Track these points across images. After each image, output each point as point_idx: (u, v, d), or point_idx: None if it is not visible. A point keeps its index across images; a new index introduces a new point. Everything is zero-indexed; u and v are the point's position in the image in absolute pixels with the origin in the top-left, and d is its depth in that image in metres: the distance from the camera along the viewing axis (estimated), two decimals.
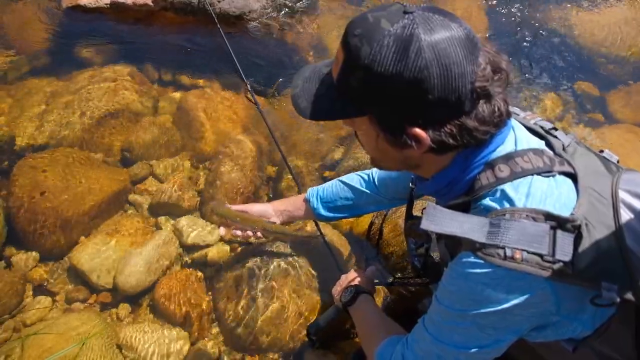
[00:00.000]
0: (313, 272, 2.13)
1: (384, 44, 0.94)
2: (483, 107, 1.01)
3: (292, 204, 1.96)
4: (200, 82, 2.97)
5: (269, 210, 1.91)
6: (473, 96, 0.98)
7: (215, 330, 2.06)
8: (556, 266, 0.96)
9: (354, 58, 0.98)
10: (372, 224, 2.25)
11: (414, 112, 0.99)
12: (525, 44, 3.42)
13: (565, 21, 3.60)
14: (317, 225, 2.10)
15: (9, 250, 2.24)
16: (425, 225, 1.02)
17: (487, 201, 1.06)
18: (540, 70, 3.26)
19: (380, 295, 2.06)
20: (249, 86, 2.80)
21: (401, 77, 0.94)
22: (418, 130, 1.01)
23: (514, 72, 3.19)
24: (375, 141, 1.10)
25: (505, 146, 1.09)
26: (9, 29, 3.14)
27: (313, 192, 1.92)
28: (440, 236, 1.30)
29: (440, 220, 1.02)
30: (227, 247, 2.27)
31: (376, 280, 1.88)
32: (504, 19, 3.61)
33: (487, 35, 3.48)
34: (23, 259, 2.21)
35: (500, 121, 1.04)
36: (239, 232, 1.87)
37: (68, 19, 3.22)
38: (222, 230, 1.89)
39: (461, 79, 0.95)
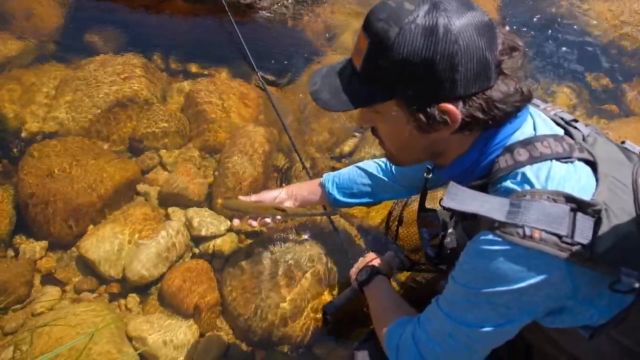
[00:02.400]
0: (325, 265, 2.11)
1: (412, 22, 0.97)
2: (505, 82, 1.04)
3: (306, 188, 1.94)
4: (210, 71, 2.94)
5: (283, 195, 1.89)
6: (497, 70, 1.03)
7: (224, 322, 2.05)
8: (574, 248, 0.96)
9: (382, 40, 1.00)
10: (390, 212, 2.22)
11: (446, 87, 1.00)
12: (538, 34, 3.37)
13: (580, 11, 3.55)
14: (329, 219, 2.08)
15: (18, 238, 2.24)
16: (446, 203, 1.04)
17: (508, 183, 1.07)
18: (554, 61, 3.21)
19: None
20: (259, 75, 2.77)
21: (433, 51, 0.97)
22: (450, 106, 1.02)
23: (527, 64, 3.14)
24: (402, 128, 1.10)
25: (524, 130, 1.11)
26: (18, 16, 3.12)
27: (329, 177, 1.90)
28: (458, 220, 1.31)
29: (462, 198, 1.04)
30: (237, 239, 2.26)
31: (394, 264, 1.86)
32: (517, 9, 3.56)
33: (500, 25, 3.43)
34: (32, 247, 2.20)
35: (524, 95, 1.06)
36: (254, 223, 1.85)
37: (77, 6, 3.20)
38: (235, 222, 1.87)
39: (487, 52, 0.99)
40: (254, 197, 1.86)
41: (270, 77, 2.90)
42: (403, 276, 2.08)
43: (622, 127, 2.85)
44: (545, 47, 3.28)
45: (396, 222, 2.16)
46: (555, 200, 0.98)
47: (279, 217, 1.83)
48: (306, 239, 2.17)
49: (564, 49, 3.28)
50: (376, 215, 2.28)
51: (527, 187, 1.03)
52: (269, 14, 3.26)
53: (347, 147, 2.63)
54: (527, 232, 0.97)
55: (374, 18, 1.01)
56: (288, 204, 1.88)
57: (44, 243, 2.22)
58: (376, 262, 1.77)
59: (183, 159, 2.56)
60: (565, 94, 3.03)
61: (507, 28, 3.41)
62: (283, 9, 3.30)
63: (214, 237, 2.26)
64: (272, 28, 3.22)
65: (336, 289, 2.07)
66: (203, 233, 2.26)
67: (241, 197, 1.85)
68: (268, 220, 1.82)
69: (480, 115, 1.03)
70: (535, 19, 3.46)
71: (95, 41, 3.02)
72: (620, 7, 3.56)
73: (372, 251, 1.86)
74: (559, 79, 3.10)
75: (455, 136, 1.09)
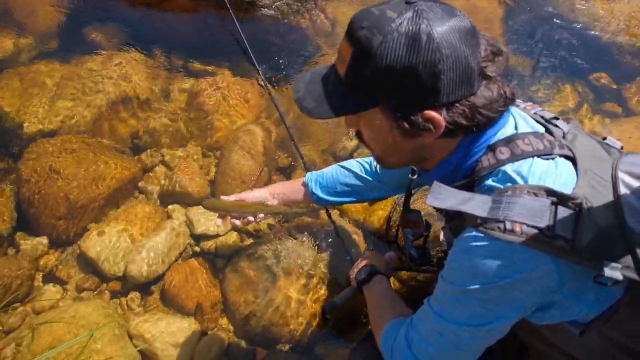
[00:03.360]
0: (325, 265, 2.12)
1: (394, 30, 0.97)
2: (489, 87, 1.05)
3: (289, 187, 1.95)
4: (212, 68, 2.93)
5: (266, 195, 1.89)
6: (480, 76, 1.03)
7: (225, 321, 2.05)
8: (556, 242, 0.97)
9: (365, 48, 1.00)
10: (391, 213, 2.22)
11: (429, 95, 1.01)
12: (541, 34, 3.36)
13: (582, 11, 3.54)
14: (327, 212, 2.07)
15: (19, 236, 2.23)
16: (430, 201, 1.06)
17: (490, 182, 1.08)
18: (556, 61, 3.20)
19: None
20: (261, 73, 2.76)
21: (416, 60, 0.97)
22: (433, 113, 1.03)
23: (530, 63, 3.14)
24: (387, 134, 1.11)
25: (506, 129, 1.12)
26: (20, 12, 3.11)
27: (312, 176, 1.91)
28: (445, 221, 1.33)
29: (445, 197, 1.06)
30: (238, 238, 2.26)
31: (394, 265, 1.86)
32: (519, 9, 3.55)
33: (502, 25, 3.42)
34: (33, 245, 2.20)
35: (506, 100, 1.07)
36: (237, 222, 1.84)
37: (78, 2, 3.19)
38: (218, 221, 1.86)
39: (470, 59, 1.00)
40: (235, 196, 1.86)
41: (272, 75, 2.89)
42: (404, 275, 2.08)
43: (624, 127, 2.85)
44: (546, 48, 3.27)
45: (396, 223, 2.16)
46: (536, 195, 1.00)
47: (261, 215, 1.83)
48: (307, 239, 2.16)
49: (566, 48, 3.27)
50: (376, 216, 2.28)
51: (509, 183, 1.04)
52: (270, 11, 3.25)
53: (348, 145, 2.62)
54: (508, 226, 0.98)
55: (357, 26, 1.02)
56: (271, 203, 1.88)
57: (45, 241, 2.22)
58: (376, 261, 1.77)
59: (184, 157, 2.55)
60: (567, 93, 3.02)
61: (509, 28, 3.40)
62: (285, 6, 3.29)
63: (215, 235, 2.26)
64: (274, 25, 3.21)
65: (336, 288, 2.07)
66: (204, 232, 2.26)
67: (223, 197, 1.85)
68: (251, 219, 1.82)
69: (464, 122, 1.05)
70: (538, 19, 3.45)
71: (96, 38, 3.01)
72: (622, 6, 3.55)
73: (372, 251, 1.87)
74: (561, 78, 3.10)
75: (440, 141, 1.10)
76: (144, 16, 3.18)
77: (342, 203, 1.98)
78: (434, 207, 1.16)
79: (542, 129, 1.16)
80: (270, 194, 1.89)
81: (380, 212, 2.27)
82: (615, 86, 3.12)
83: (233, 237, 2.26)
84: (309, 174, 1.92)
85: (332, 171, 1.88)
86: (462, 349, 1.13)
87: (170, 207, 2.37)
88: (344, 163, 1.88)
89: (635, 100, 3.04)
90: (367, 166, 1.83)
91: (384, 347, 1.32)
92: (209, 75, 2.87)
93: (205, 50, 3.03)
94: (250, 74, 2.89)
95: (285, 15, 3.26)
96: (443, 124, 1.04)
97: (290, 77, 2.91)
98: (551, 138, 1.12)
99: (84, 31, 3.04)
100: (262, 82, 2.76)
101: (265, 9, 3.25)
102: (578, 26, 3.43)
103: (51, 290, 2.08)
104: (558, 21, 3.45)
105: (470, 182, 1.13)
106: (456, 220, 1.17)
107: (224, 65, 2.95)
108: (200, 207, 2.34)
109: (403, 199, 2.16)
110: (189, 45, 3.05)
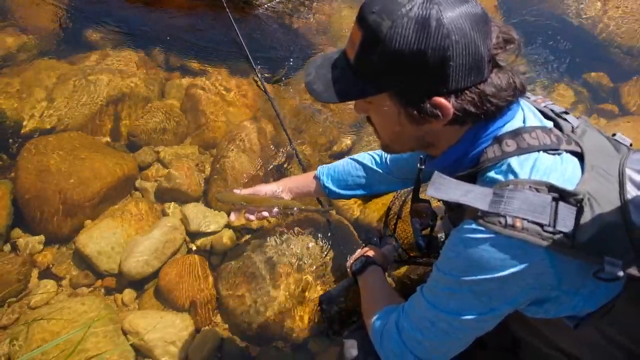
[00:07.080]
0: (321, 260, 2.12)
1: (404, 15, 0.96)
2: (499, 76, 1.04)
3: (301, 181, 1.96)
4: (208, 67, 2.94)
5: (279, 189, 1.90)
6: (490, 64, 1.02)
7: (219, 318, 2.05)
8: (556, 237, 0.97)
9: (374, 33, 0.99)
10: (389, 207, 2.23)
11: (438, 81, 1.01)
12: (537, 33, 3.36)
13: (579, 10, 3.54)
14: (319, 202, 2.07)
15: (15, 233, 2.25)
16: (430, 192, 1.05)
17: (493, 174, 1.08)
18: (553, 60, 3.20)
19: None
20: (257, 72, 2.77)
21: (425, 45, 0.96)
22: (442, 100, 1.02)
23: (525, 61, 3.14)
24: (394, 120, 1.11)
25: (514, 122, 1.11)
26: (19, 11, 3.13)
27: (323, 170, 1.92)
28: (445, 211, 1.32)
29: (446, 188, 1.05)
30: (233, 235, 2.27)
31: (391, 257, 1.87)
32: (515, 7, 3.55)
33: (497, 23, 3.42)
34: (29, 242, 2.21)
35: (516, 90, 1.07)
36: (252, 217, 1.84)
37: (77, 2, 3.20)
38: (232, 217, 1.86)
39: (480, 46, 0.98)
40: (248, 190, 1.87)
41: (268, 74, 2.90)
42: (399, 273, 2.08)
43: (620, 126, 2.85)
44: (544, 46, 3.27)
45: (395, 217, 2.17)
46: (537, 190, 0.99)
47: (275, 209, 1.83)
48: (302, 234, 2.17)
49: (562, 48, 3.27)
50: (374, 211, 2.28)
51: (512, 177, 1.04)
52: (267, 11, 3.26)
53: (343, 144, 2.63)
54: (509, 221, 0.98)
55: (367, 10, 1.01)
56: (283, 197, 1.88)
57: (41, 237, 2.23)
58: (372, 253, 1.78)
59: (180, 154, 2.56)
60: (564, 92, 3.02)
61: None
62: (282, 5, 3.30)
63: (211, 233, 2.27)
64: (270, 24, 3.22)
65: (333, 282, 2.07)
66: (200, 229, 2.27)
67: (236, 190, 1.86)
68: (265, 214, 1.83)
69: (472, 109, 1.04)
70: (533, 17, 3.45)
71: (93, 37, 3.02)
72: (619, 6, 3.55)
73: (370, 244, 1.87)
74: (557, 77, 3.10)
75: (448, 128, 1.09)
76: (142, 15, 3.19)
77: (353, 196, 1.98)
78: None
79: (550, 124, 1.16)
80: (282, 188, 1.90)
81: (376, 207, 2.28)
82: (611, 85, 3.11)
83: (228, 234, 2.26)
84: (320, 167, 1.93)
85: (343, 164, 1.89)
86: (452, 338, 1.14)
87: (166, 204, 2.38)
88: (355, 156, 1.90)
89: (630, 100, 3.04)
90: (377, 158, 1.84)
91: (374, 333, 1.32)
92: (206, 74, 2.88)
93: (202, 49, 3.03)
94: (246, 72, 2.89)
95: (282, 14, 3.27)
96: (451, 111, 1.03)
97: (287, 75, 2.92)
98: (559, 133, 1.11)
99: (83, 30, 3.06)
100: (258, 81, 2.77)
101: (262, 8, 3.26)
102: (575, 25, 3.43)
103: (47, 287, 2.09)
104: (554, 20, 3.45)
105: (474, 172, 1.13)
106: (455, 211, 1.17)
107: (221, 64, 2.96)
108: (197, 204, 2.36)
109: (405, 191, 2.19)
110: (186, 44, 3.06)
